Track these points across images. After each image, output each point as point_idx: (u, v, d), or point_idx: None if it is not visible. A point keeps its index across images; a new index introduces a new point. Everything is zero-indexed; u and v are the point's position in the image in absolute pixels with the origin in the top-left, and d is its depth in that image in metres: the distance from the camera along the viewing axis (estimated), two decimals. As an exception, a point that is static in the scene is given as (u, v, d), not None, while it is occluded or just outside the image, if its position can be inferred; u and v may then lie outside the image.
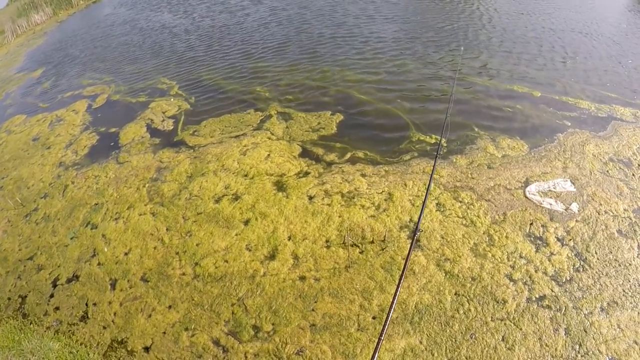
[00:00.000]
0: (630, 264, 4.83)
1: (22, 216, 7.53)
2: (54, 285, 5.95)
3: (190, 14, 18.92)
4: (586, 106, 7.73)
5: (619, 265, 4.83)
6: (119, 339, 4.97)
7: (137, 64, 13.92)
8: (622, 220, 5.36)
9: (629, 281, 4.65)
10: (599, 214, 5.47)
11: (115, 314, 5.27)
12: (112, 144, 8.90)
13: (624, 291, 4.56)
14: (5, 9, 32.37)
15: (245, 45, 13.51)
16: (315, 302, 4.81)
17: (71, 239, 6.63)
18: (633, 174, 6.13)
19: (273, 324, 4.67)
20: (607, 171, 6.17)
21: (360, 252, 5.30)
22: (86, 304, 5.52)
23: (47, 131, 10.25)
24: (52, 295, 5.82)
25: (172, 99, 10.35)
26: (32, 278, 6.20)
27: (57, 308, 5.63)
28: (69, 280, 5.95)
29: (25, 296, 5.96)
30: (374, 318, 4.56)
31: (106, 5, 26.61)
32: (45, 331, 5.36)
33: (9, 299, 6.03)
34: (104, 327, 5.15)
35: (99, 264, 6.03)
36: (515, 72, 9.34)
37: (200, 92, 10.54)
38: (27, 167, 8.96)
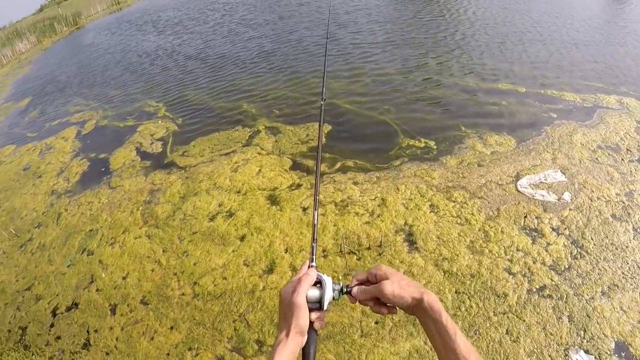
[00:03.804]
0: (627, 247, 4.87)
1: (17, 247, 7.47)
2: (54, 315, 5.87)
3: (172, 37, 19.04)
4: (571, 97, 7.83)
5: (616, 248, 4.88)
6: (123, 364, 4.92)
7: (123, 88, 13.94)
8: (615, 205, 5.43)
9: (627, 263, 4.70)
10: (591, 200, 5.53)
11: (117, 339, 5.22)
12: (103, 169, 8.87)
13: (623, 274, 4.60)
14: (-11, 40, 32.35)
15: (229, 63, 13.59)
16: (317, 311, 4.79)
17: (68, 266, 6.58)
18: (622, 159, 6.21)
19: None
20: (596, 158, 6.25)
21: (357, 259, 5.30)
22: (87, 331, 5.46)
23: (38, 160, 10.22)
24: (52, 325, 5.74)
25: (159, 121, 10.35)
26: (31, 308, 6.13)
27: (58, 337, 5.55)
28: (68, 309, 5.89)
29: (26, 327, 5.88)
30: (376, 323, 4.55)
31: (89, 31, 26.69)
32: (47, 362, 5.29)
33: (9, 331, 5.94)
34: (107, 353, 5.09)
35: (97, 290, 5.98)
36: (498, 70, 9.45)
37: (187, 112, 10.56)
38: (19, 197, 8.90)
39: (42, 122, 12.98)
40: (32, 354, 5.47)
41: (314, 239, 1.76)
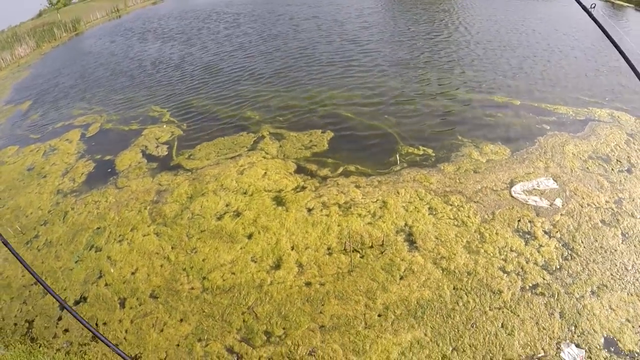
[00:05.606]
0: (615, 250, 5.19)
1: (22, 243, 7.60)
2: (62, 308, 6.03)
3: (174, 46, 19.30)
4: (564, 110, 8.22)
5: (605, 251, 5.19)
6: (133, 355, 5.09)
7: (126, 93, 14.14)
8: (604, 211, 5.76)
9: (616, 265, 5.01)
10: (582, 207, 5.86)
11: (126, 331, 5.40)
12: (109, 170, 9.07)
13: (612, 275, 4.91)
14: (-12, 43, 32.36)
15: (233, 71, 13.91)
16: (323, 305, 5.03)
17: (76, 262, 6.74)
18: (612, 169, 6.57)
19: (284, 328, 4.87)
20: (587, 168, 6.59)
21: (361, 257, 5.56)
22: (96, 324, 5.62)
23: (42, 160, 10.37)
24: (60, 318, 5.90)
25: (164, 126, 10.59)
26: (38, 302, 6.27)
27: (66, 330, 5.71)
28: (76, 302, 6.05)
29: (32, 320, 6.02)
30: (379, 316, 4.79)
31: (89, 37, 26.94)
32: (55, 353, 5.42)
33: (16, 324, 6.07)
34: (117, 345, 5.25)
35: (106, 284, 6.16)
36: (495, 83, 9.86)
37: (192, 117, 10.81)
38: (24, 196, 9.05)
39: (45, 124, 13.11)
40: (40, 346, 5.61)
41: None
